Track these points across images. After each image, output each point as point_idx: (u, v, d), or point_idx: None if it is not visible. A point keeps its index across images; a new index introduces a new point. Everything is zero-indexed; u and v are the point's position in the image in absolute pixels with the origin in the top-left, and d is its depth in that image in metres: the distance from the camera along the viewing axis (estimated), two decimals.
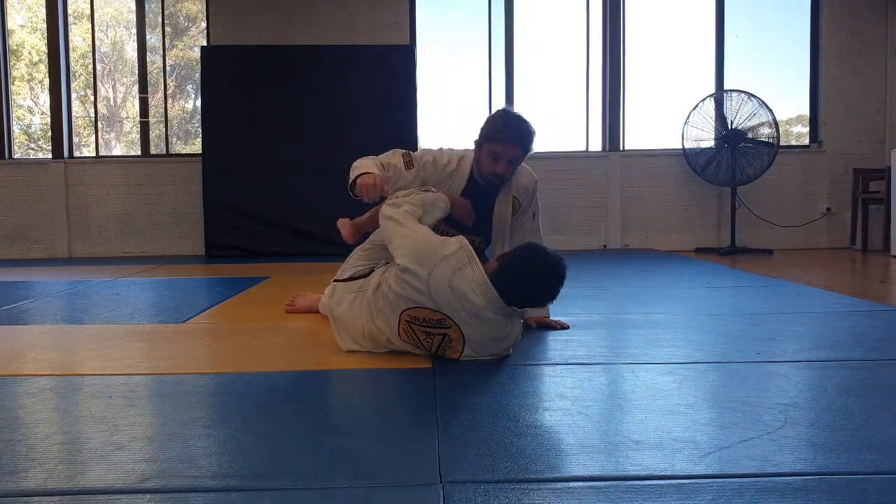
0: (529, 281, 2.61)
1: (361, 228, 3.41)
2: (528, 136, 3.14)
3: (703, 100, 7.51)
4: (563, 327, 3.28)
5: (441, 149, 3.34)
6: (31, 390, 2.46)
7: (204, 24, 8.00)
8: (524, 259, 2.63)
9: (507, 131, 3.10)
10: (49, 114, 8.01)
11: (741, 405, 2.15)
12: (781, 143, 7.50)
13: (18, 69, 8.97)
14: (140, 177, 7.90)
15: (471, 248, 2.64)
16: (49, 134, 8.02)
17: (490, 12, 7.95)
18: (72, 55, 8.17)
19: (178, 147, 8.52)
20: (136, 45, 8.15)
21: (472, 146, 3.26)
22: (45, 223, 7.85)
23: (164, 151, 8.12)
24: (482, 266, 2.61)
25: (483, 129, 3.17)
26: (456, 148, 3.37)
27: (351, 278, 2.98)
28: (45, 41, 7.99)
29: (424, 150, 3.34)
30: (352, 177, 3.11)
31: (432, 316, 2.60)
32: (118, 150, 8.64)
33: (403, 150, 3.27)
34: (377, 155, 3.25)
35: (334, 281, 3.07)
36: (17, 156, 8.21)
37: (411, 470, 1.69)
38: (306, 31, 7.74)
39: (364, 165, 3.13)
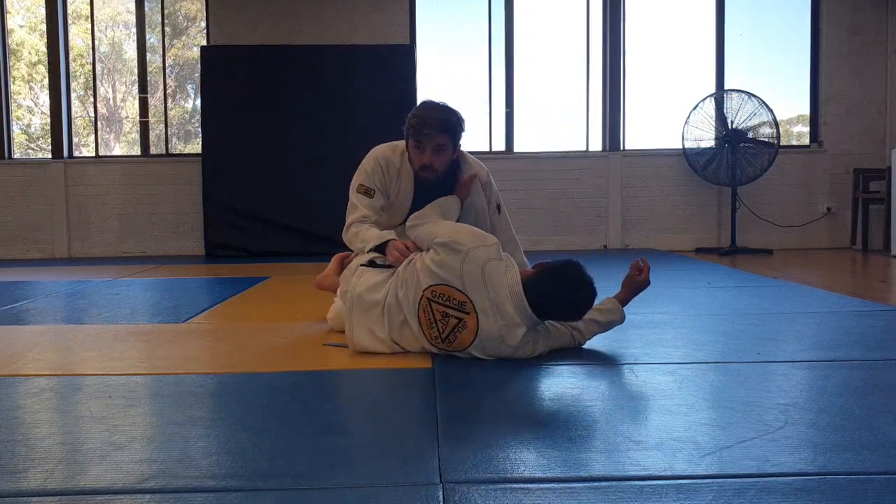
0: (561, 295, 2.65)
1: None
2: (446, 120, 3.06)
3: (704, 100, 7.51)
4: None
5: (377, 149, 3.29)
6: (31, 390, 2.46)
7: (204, 24, 8.00)
8: (561, 274, 2.67)
9: (426, 122, 3.03)
10: (49, 114, 8.01)
11: (741, 405, 2.15)
12: (781, 143, 7.50)
13: (18, 69, 8.97)
14: (140, 177, 7.89)
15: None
16: (49, 134, 8.02)
17: (490, 12, 7.95)
18: (71, 55, 8.17)
19: (178, 147, 8.52)
20: (135, 44, 8.14)
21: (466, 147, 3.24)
22: (45, 223, 7.85)
23: (164, 151, 8.12)
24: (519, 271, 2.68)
25: (405, 124, 3.13)
26: (387, 143, 3.33)
27: (379, 265, 2.95)
28: (45, 41, 7.99)
29: (365, 161, 3.28)
30: (365, 246, 3.06)
31: (456, 296, 2.63)
32: (118, 150, 8.64)
33: (357, 184, 3.23)
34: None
35: (360, 265, 3.01)
36: (17, 156, 8.21)
37: (411, 470, 1.69)
38: (306, 31, 7.74)
39: (375, 235, 3.07)
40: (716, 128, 7.47)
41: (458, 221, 3.07)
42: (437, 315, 2.67)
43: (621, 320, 2.89)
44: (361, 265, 2.96)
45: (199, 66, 7.78)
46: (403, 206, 3.24)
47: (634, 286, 2.87)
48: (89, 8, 8.04)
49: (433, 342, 2.72)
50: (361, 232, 3.13)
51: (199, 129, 7.88)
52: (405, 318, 2.76)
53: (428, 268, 2.70)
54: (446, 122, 3.06)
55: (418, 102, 7.87)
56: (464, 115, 3.18)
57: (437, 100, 3.18)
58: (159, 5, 8.03)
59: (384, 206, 3.23)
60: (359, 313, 2.83)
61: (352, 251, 3.50)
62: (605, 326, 2.89)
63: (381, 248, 2.99)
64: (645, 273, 2.86)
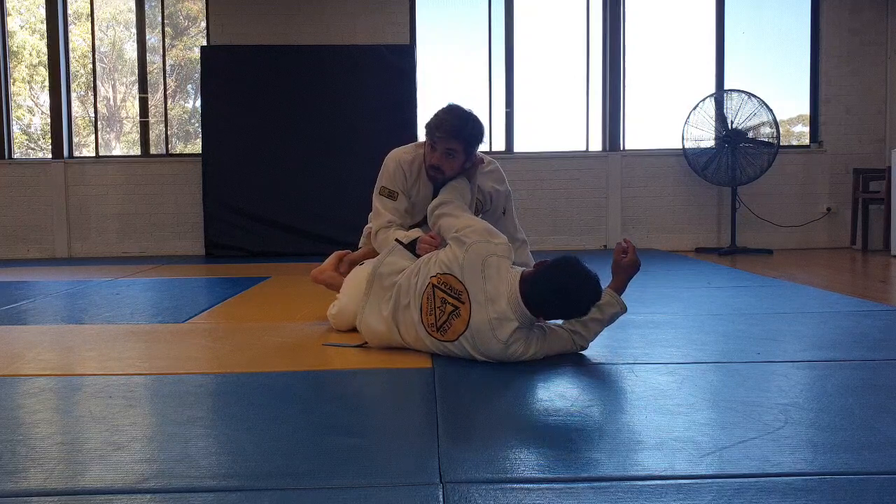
0: (560, 290, 2.62)
1: (355, 261, 3.47)
2: (461, 128, 3.10)
3: (704, 100, 7.51)
4: None
5: (397, 151, 3.36)
6: (31, 390, 2.46)
7: (204, 24, 8.00)
8: (559, 268, 2.65)
9: (441, 126, 3.10)
10: (49, 114, 8.01)
11: (741, 405, 2.15)
12: (781, 143, 7.50)
13: (19, 70, 8.97)
14: (140, 177, 7.89)
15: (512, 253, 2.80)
16: (49, 134, 8.02)
17: (490, 12, 7.95)
18: (72, 55, 8.17)
19: (178, 147, 8.52)
20: (135, 44, 8.15)
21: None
22: (45, 223, 7.85)
23: (164, 151, 8.12)
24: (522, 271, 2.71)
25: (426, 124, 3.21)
26: (408, 145, 3.41)
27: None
28: (45, 41, 7.98)
29: (387, 163, 3.35)
30: (386, 244, 3.13)
31: (455, 284, 2.69)
32: (118, 150, 8.63)
33: (380, 187, 3.32)
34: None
35: (396, 241, 3.08)
36: (17, 156, 8.21)
37: (411, 470, 1.69)
38: (306, 31, 7.74)
39: (402, 236, 3.13)
40: (716, 128, 7.47)
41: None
42: (437, 301, 2.72)
43: (622, 310, 2.79)
44: (397, 240, 3.04)
45: (199, 66, 7.79)
46: (422, 206, 3.29)
47: (623, 270, 2.78)
48: (90, 8, 8.04)
49: (429, 329, 2.73)
50: (390, 236, 3.20)
51: (199, 129, 7.88)
52: (409, 302, 2.80)
53: (440, 259, 2.78)
54: (459, 130, 3.10)
55: (418, 102, 7.85)
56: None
57: (465, 107, 3.21)
58: (160, 5, 8.02)
59: (408, 207, 3.31)
60: (378, 290, 2.90)
61: (351, 249, 3.55)
62: (608, 320, 2.79)
63: (411, 247, 3.02)
64: (631, 253, 2.77)
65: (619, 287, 2.79)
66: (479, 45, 8.00)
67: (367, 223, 3.61)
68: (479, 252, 2.70)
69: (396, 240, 3.07)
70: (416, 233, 3.13)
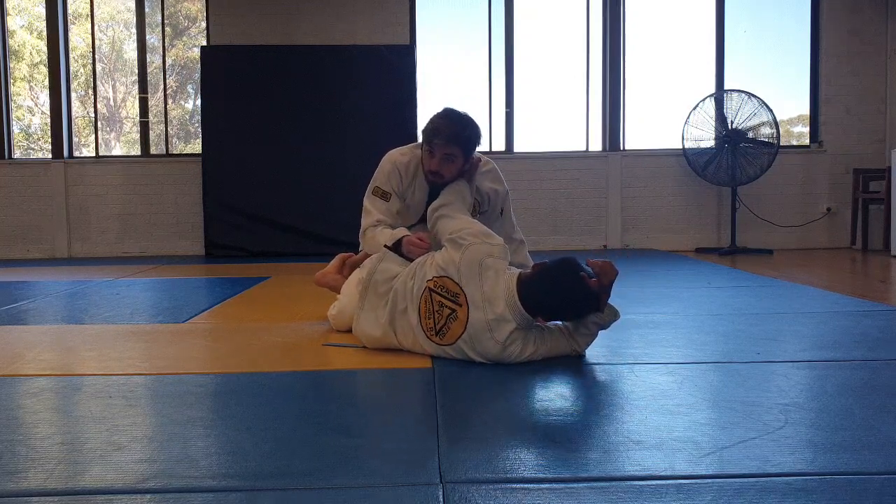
0: (558, 291, 2.61)
1: (357, 263, 3.48)
2: (459, 133, 3.10)
3: (704, 100, 7.51)
4: None
5: (393, 153, 3.36)
6: (31, 390, 2.46)
7: (204, 24, 8.00)
8: (558, 270, 2.63)
9: (439, 132, 3.09)
10: (49, 114, 8.01)
11: (741, 405, 2.15)
12: (782, 143, 7.50)
13: (19, 70, 8.97)
14: (140, 177, 7.90)
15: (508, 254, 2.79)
16: (49, 134, 8.02)
17: (490, 12, 7.95)
18: (71, 55, 8.17)
19: (179, 147, 8.52)
20: (135, 44, 8.15)
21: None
22: (45, 223, 7.85)
23: (164, 151, 8.12)
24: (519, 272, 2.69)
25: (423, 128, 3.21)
26: (404, 147, 3.41)
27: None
28: (45, 41, 7.98)
29: (382, 165, 3.36)
30: (377, 244, 3.13)
31: (452, 287, 2.68)
32: (118, 150, 8.63)
33: (374, 187, 3.32)
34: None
35: (385, 246, 3.08)
36: (17, 156, 8.21)
37: (411, 470, 1.69)
38: (306, 31, 7.74)
39: (388, 235, 3.15)
40: (716, 128, 7.47)
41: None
42: (435, 305, 2.71)
43: (609, 319, 2.73)
44: (386, 246, 3.02)
45: (199, 66, 7.79)
46: (418, 208, 3.31)
47: (601, 289, 2.66)
48: (89, 8, 8.04)
49: (428, 333, 2.72)
50: (377, 235, 3.21)
51: (199, 129, 7.88)
52: (406, 306, 2.79)
53: (436, 262, 2.77)
54: (457, 135, 3.10)
55: (418, 102, 7.85)
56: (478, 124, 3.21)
57: (459, 110, 3.21)
58: (160, 5, 8.02)
59: (400, 209, 3.30)
60: (373, 297, 2.88)
61: (354, 252, 3.55)
62: (595, 332, 2.77)
63: (396, 246, 3.01)
64: (604, 273, 2.63)
65: (602, 302, 2.68)
66: (479, 45, 8.00)
67: None
68: (477, 253, 2.69)
69: (385, 245, 3.06)
70: (401, 232, 3.12)
